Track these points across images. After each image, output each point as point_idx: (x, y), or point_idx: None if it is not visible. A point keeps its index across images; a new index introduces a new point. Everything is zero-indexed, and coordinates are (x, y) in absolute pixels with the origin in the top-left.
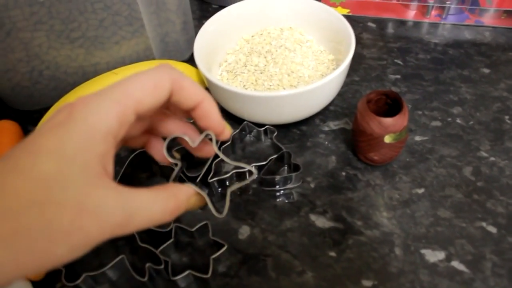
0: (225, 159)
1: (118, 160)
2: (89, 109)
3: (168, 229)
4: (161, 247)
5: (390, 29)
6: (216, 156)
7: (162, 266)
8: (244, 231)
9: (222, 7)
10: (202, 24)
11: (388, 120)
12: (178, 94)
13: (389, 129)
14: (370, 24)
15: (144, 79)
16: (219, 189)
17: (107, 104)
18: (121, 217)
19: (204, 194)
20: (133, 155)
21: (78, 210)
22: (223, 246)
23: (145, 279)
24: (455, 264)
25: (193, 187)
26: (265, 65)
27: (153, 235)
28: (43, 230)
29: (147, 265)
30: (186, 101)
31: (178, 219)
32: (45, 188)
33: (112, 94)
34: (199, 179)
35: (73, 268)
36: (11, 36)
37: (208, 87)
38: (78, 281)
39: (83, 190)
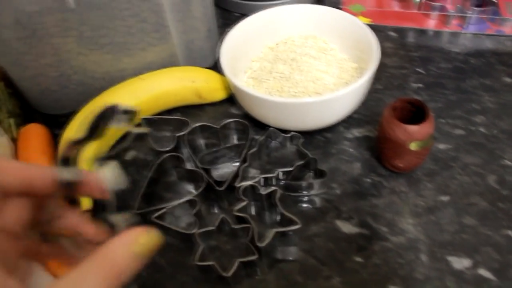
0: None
1: (145, 164)
2: None
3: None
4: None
5: (410, 38)
6: (244, 161)
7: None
8: (271, 236)
9: (243, 15)
10: (224, 31)
11: (413, 128)
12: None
13: (414, 136)
14: (391, 33)
15: None
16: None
17: None
18: None
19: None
20: (160, 159)
21: None
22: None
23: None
24: (482, 271)
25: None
26: (290, 72)
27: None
28: None
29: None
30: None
31: None
32: None
33: None
34: (225, 185)
35: None
36: (43, 41)
37: (234, 92)
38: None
39: None
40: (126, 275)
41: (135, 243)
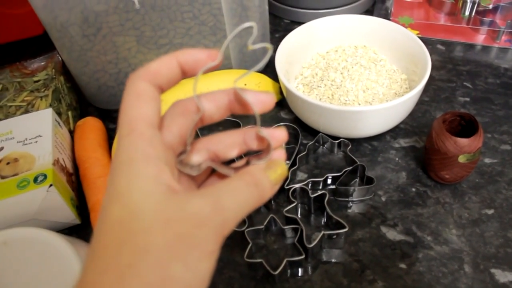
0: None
1: None
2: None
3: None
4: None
5: (458, 52)
6: (293, 164)
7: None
8: (319, 237)
9: (293, 21)
10: (274, 37)
11: (463, 141)
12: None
13: (464, 149)
14: (439, 46)
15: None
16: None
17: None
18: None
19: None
20: None
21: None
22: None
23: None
24: None
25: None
26: (342, 80)
27: None
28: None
29: None
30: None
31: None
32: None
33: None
34: None
35: None
36: (106, 39)
37: (286, 96)
38: None
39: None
40: (263, 193)
41: (270, 170)
